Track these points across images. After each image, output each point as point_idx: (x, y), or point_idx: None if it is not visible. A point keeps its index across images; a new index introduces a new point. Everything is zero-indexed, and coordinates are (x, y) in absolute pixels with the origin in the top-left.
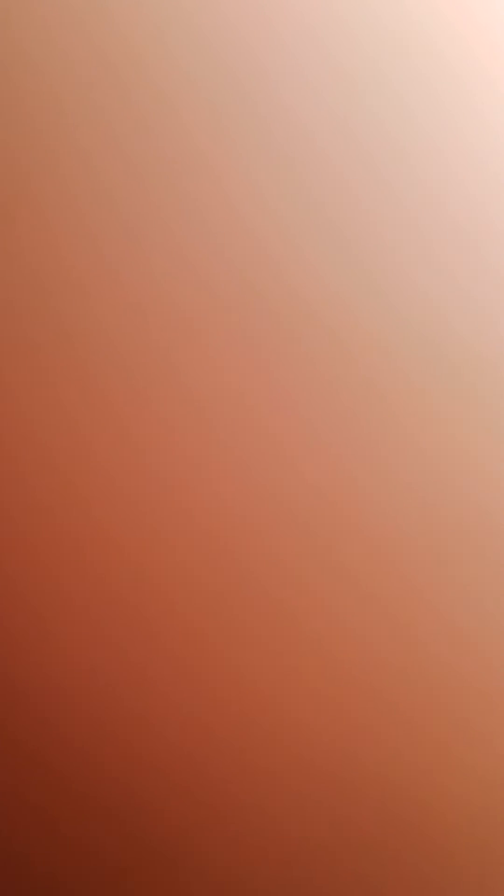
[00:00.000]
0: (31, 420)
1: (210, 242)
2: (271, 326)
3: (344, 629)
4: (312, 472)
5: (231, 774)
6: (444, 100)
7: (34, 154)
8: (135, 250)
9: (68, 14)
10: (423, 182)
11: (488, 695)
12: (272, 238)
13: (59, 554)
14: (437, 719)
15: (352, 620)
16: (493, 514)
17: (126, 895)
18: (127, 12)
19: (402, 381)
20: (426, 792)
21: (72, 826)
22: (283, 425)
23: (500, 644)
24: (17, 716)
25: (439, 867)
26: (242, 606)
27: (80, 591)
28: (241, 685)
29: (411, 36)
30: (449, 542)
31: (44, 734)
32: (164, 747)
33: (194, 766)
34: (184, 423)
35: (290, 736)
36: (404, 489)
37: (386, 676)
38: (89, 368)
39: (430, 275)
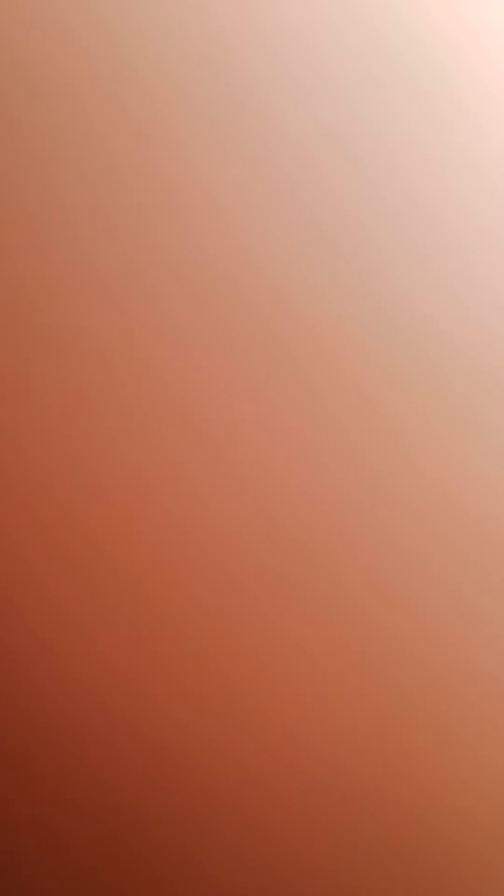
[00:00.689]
0: (27, 438)
1: (206, 257)
2: (268, 343)
3: (341, 644)
4: (310, 488)
5: (229, 787)
6: (441, 111)
7: (28, 172)
8: (129, 264)
9: (65, 27)
10: (421, 194)
11: (485, 709)
12: (268, 253)
13: (56, 569)
14: (435, 734)
15: (348, 634)
16: (492, 530)
17: None
18: (123, 26)
19: (400, 396)
20: (423, 805)
21: (69, 838)
22: (281, 442)
23: (497, 660)
24: (14, 730)
25: (436, 880)
26: (240, 622)
27: (78, 607)
28: (238, 700)
29: (408, 48)
30: (447, 558)
31: (42, 748)
32: (161, 760)
33: (192, 778)
34: (181, 440)
35: (287, 749)
36: (402, 505)
37: (384, 691)
38: (85, 386)
39: (429, 289)
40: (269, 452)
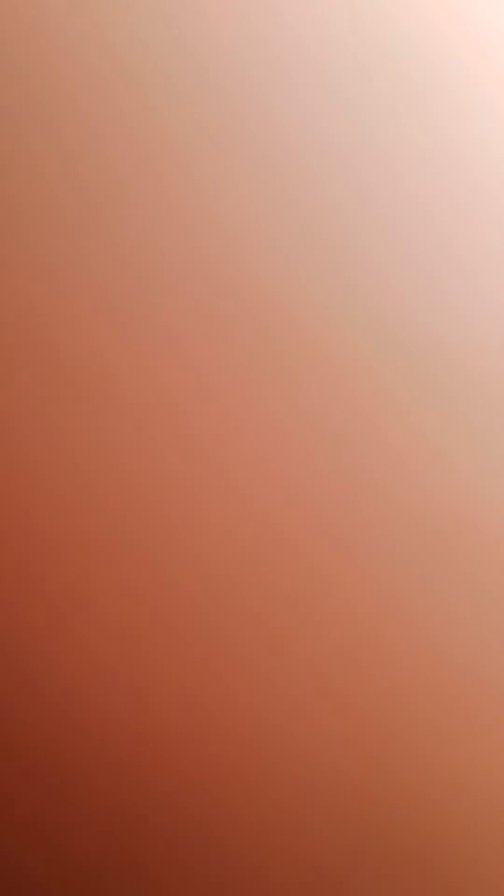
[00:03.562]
0: (26, 443)
1: (204, 265)
2: (267, 352)
3: (337, 649)
4: (307, 495)
5: (226, 790)
6: (440, 119)
7: (30, 181)
8: (129, 275)
9: (64, 37)
10: (419, 204)
11: (481, 713)
12: (267, 262)
13: (55, 573)
14: (434, 741)
15: (345, 640)
16: (488, 536)
17: None
18: (122, 35)
19: (398, 404)
20: (426, 814)
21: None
22: (278, 449)
23: (495, 666)
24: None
25: (434, 886)
26: (236, 626)
27: (76, 612)
28: (235, 704)
29: (408, 57)
30: (445, 565)
31: (39, 751)
32: (158, 763)
33: (189, 781)
34: (179, 447)
35: (283, 753)
36: (399, 511)
37: (382, 698)
38: (83, 391)
39: (426, 296)
40: (266, 459)
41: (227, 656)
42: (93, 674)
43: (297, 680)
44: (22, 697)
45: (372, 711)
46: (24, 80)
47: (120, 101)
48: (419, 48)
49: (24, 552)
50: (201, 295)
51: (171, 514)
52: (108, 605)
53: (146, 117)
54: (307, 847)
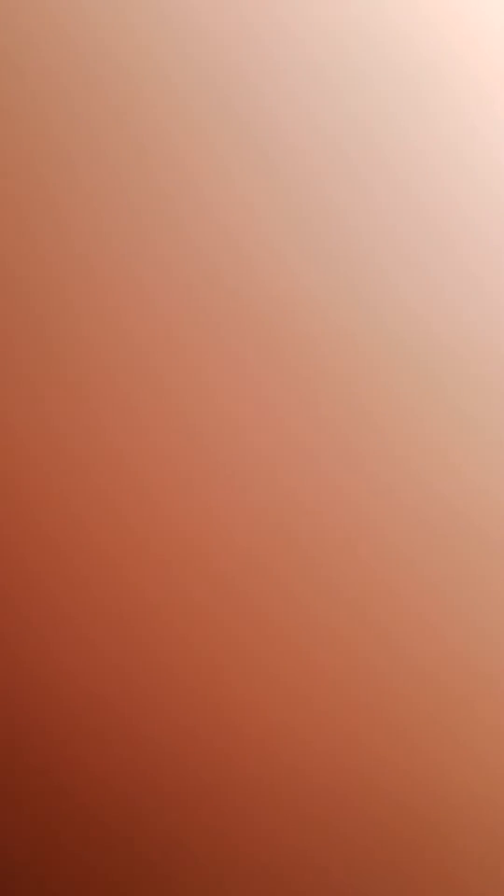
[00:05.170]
0: (28, 444)
1: (204, 264)
2: (266, 347)
3: (341, 646)
4: (309, 493)
5: (228, 790)
6: (440, 120)
7: (28, 178)
8: (126, 269)
9: (63, 38)
10: (418, 201)
11: (485, 709)
12: (266, 258)
13: (57, 572)
14: (435, 733)
15: (348, 635)
16: (490, 536)
17: None
18: (121, 37)
19: (397, 400)
20: (426, 805)
21: (69, 840)
22: (279, 441)
23: (495, 663)
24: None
25: (439, 878)
26: (239, 624)
27: (78, 610)
28: (238, 701)
29: (406, 56)
30: (447, 564)
31: (43, 745)
32: (161, 760)
33: (191, 782)
34: (181, 445)
35: (287, 750)
36: (401, 510)
37: (383, 691)
38: (85, 391)
39: (426, 296)
40: (265, 451)
41: (227, 649)
42: (91, 667)
43: (298, 673)
44: (21, 692)
45: (373, 704)
46: (22, 80)
47: (117, 99)
48: (418, 47)
49: (21, 545)
50: (200, 289)
51: (171, 508)
52: (107, 599)
53: (145, 118)
54: (307, 839)
